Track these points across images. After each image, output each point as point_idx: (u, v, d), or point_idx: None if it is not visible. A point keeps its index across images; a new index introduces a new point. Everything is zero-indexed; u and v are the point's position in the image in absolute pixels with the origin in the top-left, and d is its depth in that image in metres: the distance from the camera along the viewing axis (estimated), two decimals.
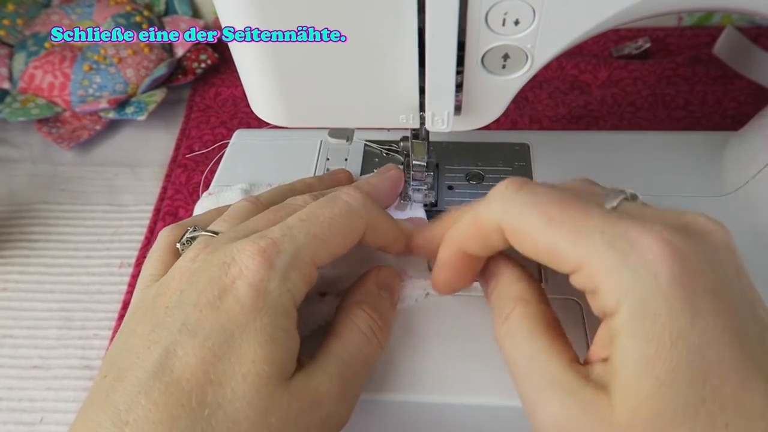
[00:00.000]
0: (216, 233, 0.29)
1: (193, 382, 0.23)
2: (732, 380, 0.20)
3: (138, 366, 0.23)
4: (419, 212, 0.36)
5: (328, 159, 0.41)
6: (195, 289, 0.25)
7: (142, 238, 0.47)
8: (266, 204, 0.31)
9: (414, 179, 0.36)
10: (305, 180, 0.35)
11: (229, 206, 0.32)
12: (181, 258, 0.27)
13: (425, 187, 0.36)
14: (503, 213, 0.24)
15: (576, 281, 0.23)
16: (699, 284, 0.21)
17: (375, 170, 0.37)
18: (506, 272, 0.28)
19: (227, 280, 0.25)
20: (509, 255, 0.28)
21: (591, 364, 0.23)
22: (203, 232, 0.29)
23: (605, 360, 0.22)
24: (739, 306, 0.21)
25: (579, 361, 0.24)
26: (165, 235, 0.31)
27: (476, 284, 0.32)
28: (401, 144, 0.38)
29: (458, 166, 0.40)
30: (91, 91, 0.53)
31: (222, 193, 0.39)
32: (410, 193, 0.37)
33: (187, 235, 0.30)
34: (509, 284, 0.27)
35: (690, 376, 0.20)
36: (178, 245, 0.30)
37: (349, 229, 0.28)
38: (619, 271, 0.21)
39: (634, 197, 0.24)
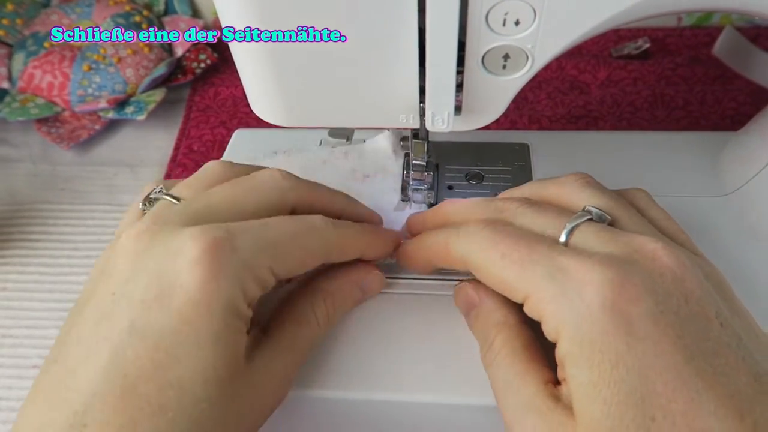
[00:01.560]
0: (178, 199, 0.28)
1: (150, 386, 0.22)
2: (678, 400, 0.21)
3: (89, 363, 0.23)
4: None
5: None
6: (140, 280, 0.24)
7: None
8: (239, 173, 0.30)
9: (414, 179, 0.36)
10: None
11: None
12: (126, 230, 0.25)
13: (425, 187, 0.36)
14: (468, 250, 0.26)
15: (527, 311, 0.24)
16: (634, 310, 0.22)
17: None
18: (489, 300, 0.29)
19: (175, 274, 0.23)
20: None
21: (562, 384, 0.24)
22: (165, 196, 0.28)
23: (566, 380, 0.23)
24: (684, 330, 0.22)
25: (555, 381, 0.25)
26: (144, 190, 0.30)
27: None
28: (402, 144, 0.38)
29: (458, 166, 0.40)
30: (90, 90, 0.53)
31: None
32: (410, 193, 0.37)
33: (151, 195, 0.29)
34: (491, 312, 0.28)
35: (635, 396, 0.21)
36: (140, 205, 0.29)
37: (312, 248, 0.27)
38: (556, 300, 0.23)
39: (601, 218, 0.26)
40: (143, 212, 0.29)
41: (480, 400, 0.29)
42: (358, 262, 0.31)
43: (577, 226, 0.25)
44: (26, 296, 0.44)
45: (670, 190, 0.38)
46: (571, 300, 0.23)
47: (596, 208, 0.26)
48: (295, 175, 0.29)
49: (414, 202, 0.37)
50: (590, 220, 0.26)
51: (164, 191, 0.29)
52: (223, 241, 0.24)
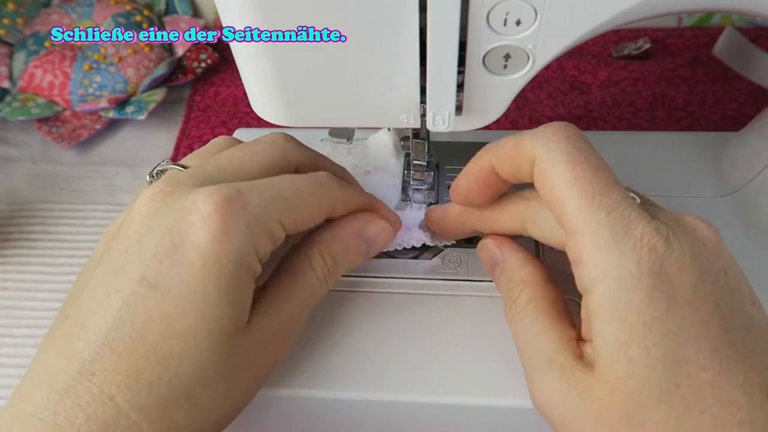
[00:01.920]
0: (185, 167, 0.28)
1: (155, 336, 0.23)
2: (709, 369, 0.21)
3: (99, 315, 0.24)
4: (421, 214, 0.36)
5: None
6: (153, 236, 0.24)
7: None
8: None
9: (414, 179, 0.36)
10: None
11: None
12: (141, 194, 0.26)
13: (426, 187, 0.36)
14: (542, 150, 0.24)
15: (568, 247, 0.24)
16: (679, 276, 0.22)
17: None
18: (513, 258, 0.29)
19: (187, 227, 0.24)
20: (516, 240, 0.30)
21: (584, 342, 0.24)
22: (172, 166, 0.29)
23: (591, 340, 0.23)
24: (722, 300, 0.22)
25: (578, 338, 0.25)
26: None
27: (462, 284, 0.33)
28: (402, 144, 0.38)
29: (459, 166, 0.39)
30: (91, 90, 0.53)
31: None
32: (410, 193, 0.37)
33: (157, 168, 0.29)
34: (517, 269, 0.28)
35: (664, 361, 0.21)
36: (148, 178, 0.29)
37: (318, 201, 0.28)
38: (607, 249, 0.22)
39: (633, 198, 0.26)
40: (149, 184, 0.29)
41: (480, 401, 0.29)
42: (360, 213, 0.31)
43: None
44: (26, 296, 0.44)
45: (671, 191, 0.38)
46: (622, 254, 0.22)
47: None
48: (297, 139, 0.30)
49: (415, 202, 0.37)
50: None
51: (170, 162, 0.29)
52: (234, 198, 0.24)
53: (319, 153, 0.32)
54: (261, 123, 0.32)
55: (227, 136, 0.32)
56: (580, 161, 0.24)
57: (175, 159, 0.52)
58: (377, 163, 0.38)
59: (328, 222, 0.30)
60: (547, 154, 0.24)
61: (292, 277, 0.28)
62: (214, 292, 0.24)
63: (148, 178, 0.29)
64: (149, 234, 0.25)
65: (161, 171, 0.29)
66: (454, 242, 0.34)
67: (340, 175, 0.32)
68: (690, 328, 0.21)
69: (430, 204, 0.37)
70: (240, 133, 0.44)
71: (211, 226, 0.24)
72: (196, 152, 0.30)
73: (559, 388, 0.24)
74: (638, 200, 0.25)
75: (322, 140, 0.40)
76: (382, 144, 0.38)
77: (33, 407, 0.22)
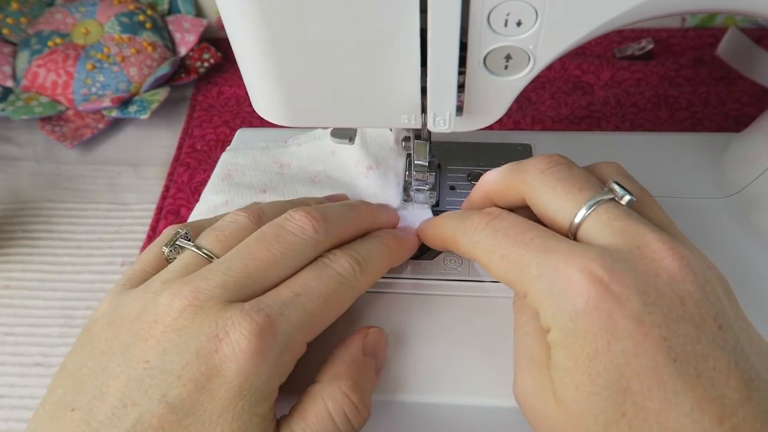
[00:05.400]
0: (204, 251, 0.28)
1: None
2: (654, 399, 0.21)
3: (113, 425, 0.24)
4: (426, 212, 0.36)
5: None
6: (180, 357, 0.24)
7: (144, 236, 0.47)
8: (266, 217, 0.30)
9: (416, 180, 0.36)
10: (307, 200, 0.34)
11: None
12: (166, 301, 0.26)
13: (427, 187, 0.36)
14: (472, 248, 0.28)
15: (529, 304, 0.26)
16: (619, 310, 0.22)
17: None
18: None
19: (217, 358, 0.24)
20: None
21: None
22: (193, 249, 0.29)
23: None
24: (671, 330, 0.22)
25: None
26: (168, 233, 0.30)
27: (462, 284, 0.33)
28: (404, 144, 0.38)
29: (460, 167, 0.40)
30: (94, 89, 0.53)
31: (242, 149, 0.41)
32: (412, 193, 0.37)
33: (176, 241, 0.29)
34: None
35: (608, 390, 0.22)
36: (165, 249, 0.29)
37: (341, 302, 0.29)
38: (547, 298, 0.24)
39: (622, 196, 0.26)
40: (167, 260, 0.29)
41: (480, 401, 0.29)
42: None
43: (599, 203, 0.25)
44: (29, 294, 0.45)
45: (673, 191, 0.38)
46: (558, 299, 0.23)
47: (620, 185, 0.26)
48: (324, 218, 0.29)
49: (416, 202, 0.37)
50: (612, 199, 0.26)
51: (190, 238, 0.29)
52: (266, 329, 0.25)
53: (343, 219, 0.31)
54: (264, 123, 0.32)
55: (248, 214, 0.30)
56: (498, 242, 0.26)
57: (177, 158, 0.52)
58: (378, 159, 0.38)
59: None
60: (477, 250, 0.27)
61: (302, 419, 0.27)
62: (226, 420, 0.24)
63: (165, 250, 0.29)
64: (174, 351, 0.24)
65: (180, 246, 0.29)
66: None
67: (365, 226, 0.32)
68: (632, 360, 0.22)
69: (432, 205, 0.37)
70: (242, 133, 0.44)
71: (242, 360, 0.24)
72: (217, 233, 0.29)
73: (533, 388, 0.25)
74: (630, 197, 0.26)
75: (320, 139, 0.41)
76: (384, 139, 0.39)
77: None
